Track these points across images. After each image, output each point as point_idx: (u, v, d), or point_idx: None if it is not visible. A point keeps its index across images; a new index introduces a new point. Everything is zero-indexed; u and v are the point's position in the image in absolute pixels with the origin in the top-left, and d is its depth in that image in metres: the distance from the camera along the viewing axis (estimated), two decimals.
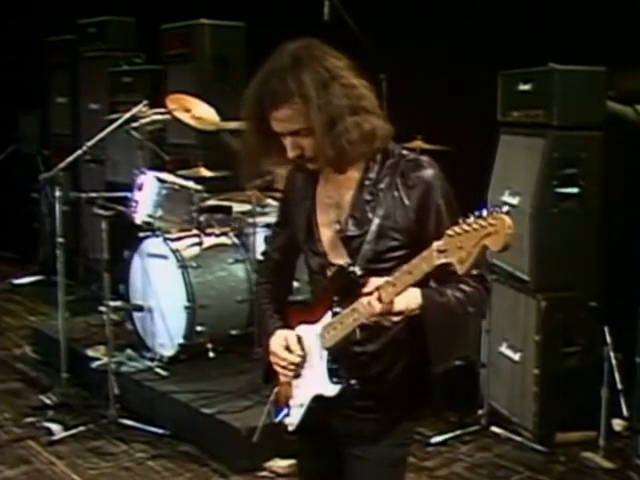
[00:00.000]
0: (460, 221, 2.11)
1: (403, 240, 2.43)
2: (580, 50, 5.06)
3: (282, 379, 2.64)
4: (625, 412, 4.82)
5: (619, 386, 4.76)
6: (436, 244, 2.15)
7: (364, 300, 2.29)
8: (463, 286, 2.38)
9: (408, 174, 2.42)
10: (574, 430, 4.99)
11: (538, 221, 4.97)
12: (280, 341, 2.58)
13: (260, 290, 2.83)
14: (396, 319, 2.30)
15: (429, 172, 2.42)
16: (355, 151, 2.38)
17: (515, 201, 5.14)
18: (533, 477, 4.67)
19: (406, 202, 2.41)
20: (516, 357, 5.15)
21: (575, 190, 4.99)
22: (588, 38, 5.20)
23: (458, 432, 5.11)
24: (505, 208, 2.07)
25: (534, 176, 4.99)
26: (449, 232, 2.12)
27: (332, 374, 2.47)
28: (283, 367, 2.58)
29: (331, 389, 2.47)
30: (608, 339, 4.73)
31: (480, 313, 2.48)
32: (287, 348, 2.57)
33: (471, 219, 2.09)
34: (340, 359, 2.47)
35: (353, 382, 2.47)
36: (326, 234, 2.54)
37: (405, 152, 2.49)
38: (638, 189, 5.17)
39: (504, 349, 5.25)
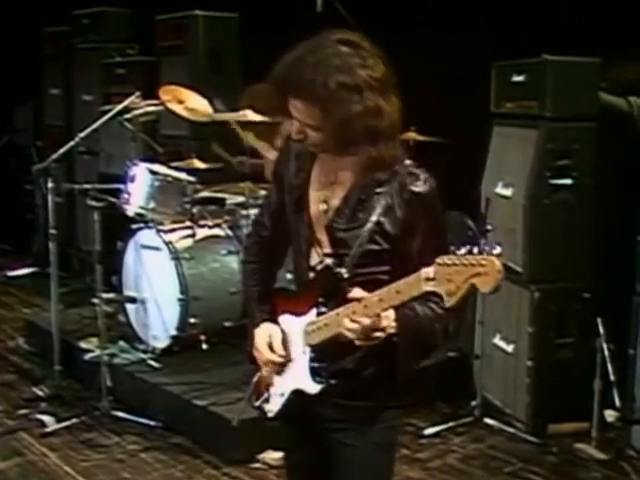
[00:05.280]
0: (451, 250, 2.10)
1: (389, 248, 2.42)
2: (573, 41, 5.06)
3: (264, 373, 2.64)
4: (618, 403, 4.81)
5: (612, 377, 4.75)
6: (424, 271, 2.15)
7: (348, 323, 2.29)
8: (432, 305, 2.36)
9: (405, 187, 2.39)
10: (567, 421, 5.01)
11: (531, 212, 4.97)
12: (264, 337, 2.57)
13: (247, 270, 2.77)
14: (378, 335, 2.31)
15: (426, 190, 2.40)
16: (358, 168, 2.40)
17: (508, 192, 5.14)
18: (526, 468, 4.67)
19: (398, 214, 2.40)
20: (509, 349, 5.15)
21: (568, 181, 4.99)
22: (581, 29, 5.20)
23: (451, 424, 5.11)
24: (497, 250, 2.05)
25: (527, 167, 4.99)
26: (439, 261, 2.11)
27: (314, 373, 2.46)
28: (264, 363, 2.58)
29: (312, 387, 2.46)
30: (601, 330, 4.73)
31: (445, 331, 2.45)
32: (270, 345, 2.55)
33: (462, 251, 2.08)
34: (323, 357, 2.46)
35: (333, 382, 2.45)
36: (313, 210, 2.52)
37: (408, 162, 2.45)
38: (631, 180, 5.17)
39: (497, 341, 5.25)
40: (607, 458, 4.72)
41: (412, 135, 5.53)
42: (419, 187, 2.40)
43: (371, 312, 2.27)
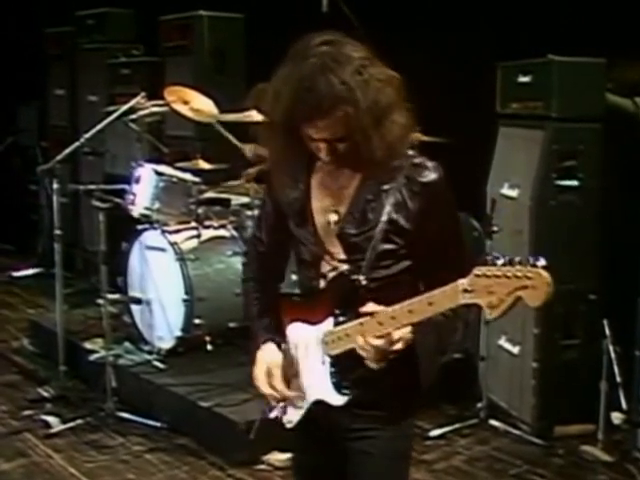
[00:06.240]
0: (489, 261, 2.05)
1: (404, 244, 2.36)
2: (577, 42, 5.04)
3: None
4: (624, 405, 4.80)
5: (618, 379, 4.75)
6: (461, 282, 2.09)
7: (361, 340, 2.26)
8: None
9: (414, 178, 2.34)
10: (573, 423, 4.99)
11: (537, 213, 4.95)
12: (263, 366, 2.52)
13: (248, 288, 2.73)
14: (390, 357, 2.28)
15: (434, 179, 2.35)
16: (401, 148, 2.32)
17: (514, 193, 5.12)
18: (531, 470, 4.66)
19: (409, 206, 2.34)
20: (515, 350, 5.13)
21: (574, 182, 4.97)
22: (587, 29, 5.19)
23: (457, 425, 5.10)
24: (542, 262, 2.00)
25: (533, 168, 4.97)
26: (476, 272, 2.06)
27: (339, 385, 2.41)
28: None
29: (337, 399, 2.41)
30: (607, 332, 4.72)
31: (465, 324, 2.45)
32: (269, 374, 2.50)
33: (500, 261, 2.02)
34: (344, 368, 2.40)
35: (357, 392, 2.40)
36: (319, 221, 2.45)
37: (411, 152, 2.39)
38: (637, 181, 5.16)
39: (503, 342, 5.23)
40: (613, 460, 4.70)
41: (417, 135, 5.49)
42: (428, 177, 2.34)
43: (399, 323, 2.21)
